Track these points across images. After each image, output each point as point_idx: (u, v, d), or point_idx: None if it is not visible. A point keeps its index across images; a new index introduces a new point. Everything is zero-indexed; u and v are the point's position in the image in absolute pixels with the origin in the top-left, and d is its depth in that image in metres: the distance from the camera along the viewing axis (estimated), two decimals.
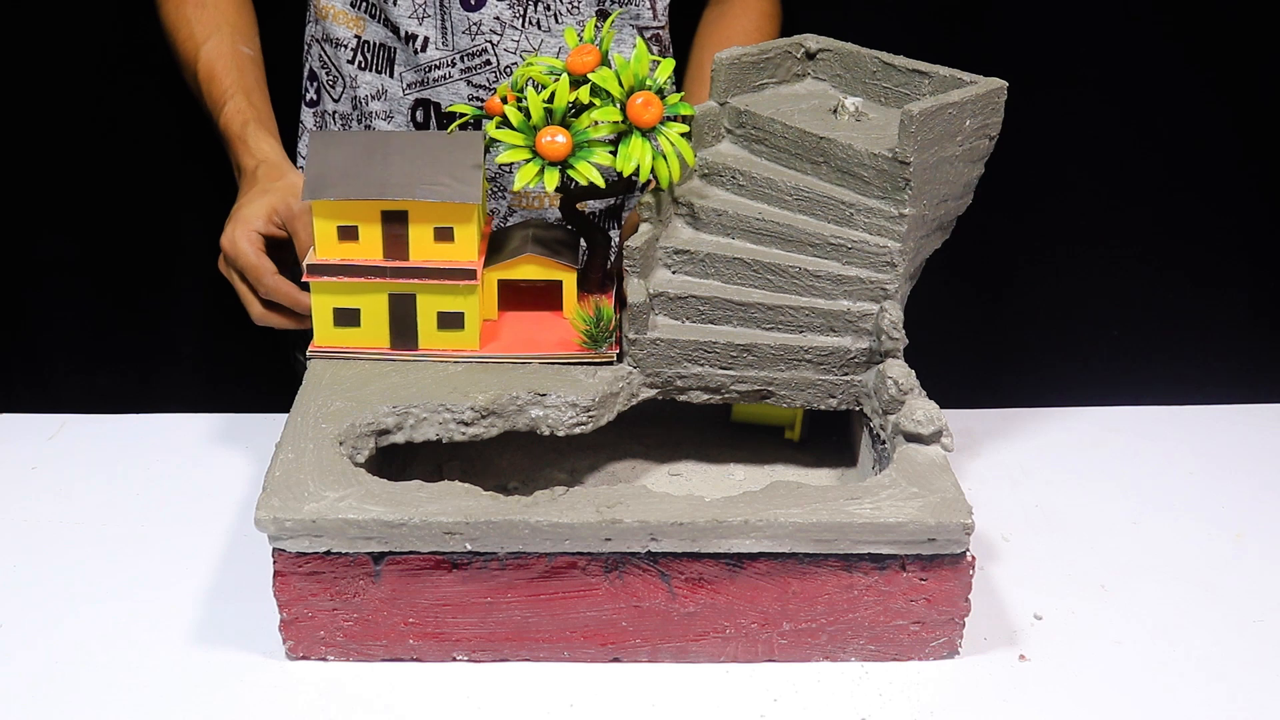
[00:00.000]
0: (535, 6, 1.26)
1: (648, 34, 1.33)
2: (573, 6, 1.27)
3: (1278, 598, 1.04)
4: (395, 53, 1.29)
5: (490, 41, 1.27)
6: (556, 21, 1.27)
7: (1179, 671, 0.96)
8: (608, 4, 1.29)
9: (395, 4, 1.27)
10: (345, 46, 1.31)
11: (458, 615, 0.93)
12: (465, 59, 1.28)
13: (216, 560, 1.04)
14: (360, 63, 1.31)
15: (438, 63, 1.28)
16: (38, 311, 1.74)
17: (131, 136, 1.63)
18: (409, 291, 1.04)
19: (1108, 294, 1.78)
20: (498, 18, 1.26)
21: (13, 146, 1.63)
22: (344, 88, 1.33)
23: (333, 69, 1.33)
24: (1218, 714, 0.92)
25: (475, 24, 1.26)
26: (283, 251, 1.16)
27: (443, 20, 1.26)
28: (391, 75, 1.30)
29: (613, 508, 0.90)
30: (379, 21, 1.29)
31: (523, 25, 1.27)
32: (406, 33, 1.27)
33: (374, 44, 1.30)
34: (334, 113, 1.36)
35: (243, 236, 1.13)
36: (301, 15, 1.37)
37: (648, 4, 1.32)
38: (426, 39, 1.27)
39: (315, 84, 1.37)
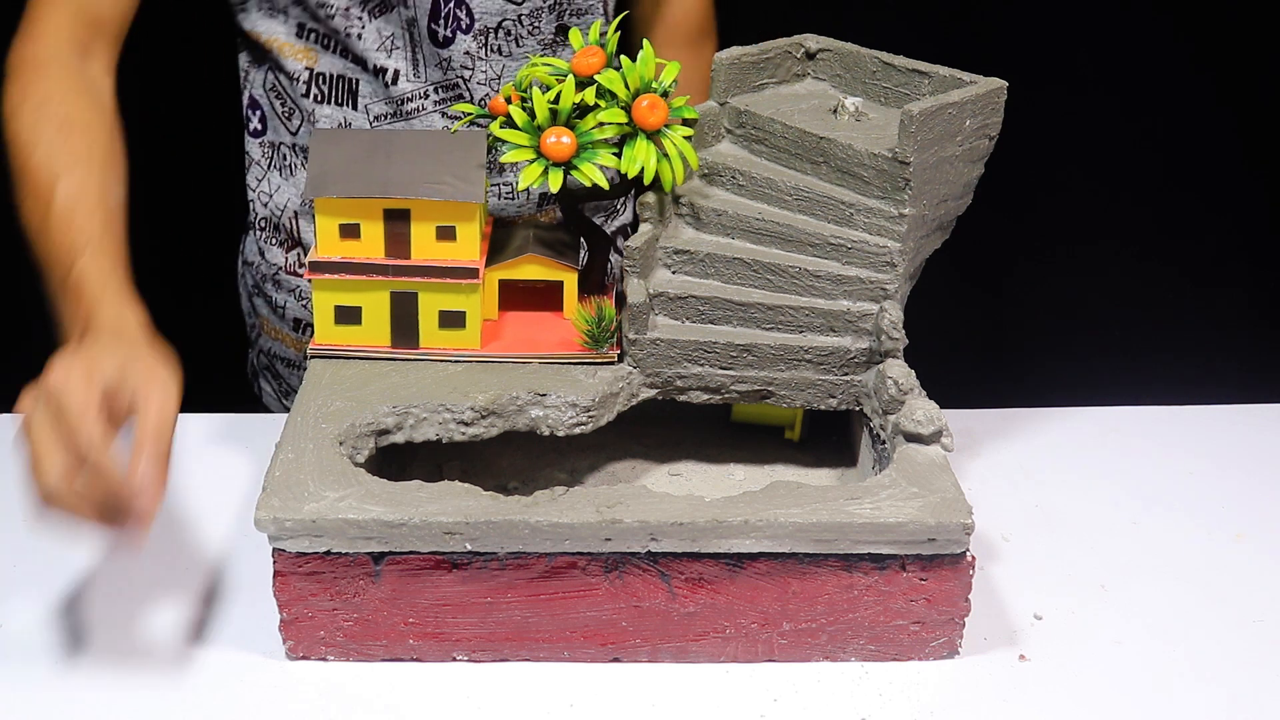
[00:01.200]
0: (496, 34, 1.24)
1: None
2: (533, 28, 1.25)
3: (1278, 598, 1.04)
4: (358, 84, 1.25)
5: (462, 76, 1.25)
6: (518, 45, 1.25)
7: (1179, 671, 0.96)
8: (566, 18, 1.27)
9: (360, 37, 1.22)
10: (298, 80, 1.26)
11: (458, 615, 0.93)
12: (439, 90, 1.25)
13: (216, 560, 1.04)
14: (316, 95, 1.25)
15: (410, 95, 1.24)
16: (38, 311, 1.74)
17: (131, 136, 1.63)
18: (410, 290, 1.04)
19: (1108, 294, 1.79)
20: (467, 52, 1.23)
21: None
22: (301, 120, 1.28)
23: (289, 100, 1.28)
24: (1218, 714, 0.92)
25: (446, 59, 1.23)
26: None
27: (413, 52, 1.23)
28: (355, 108, 1.25)
29: (613, 508, 0.90)
30: (334, 52, 1.24)
31: (487, 54, 1.25)
32: (376, 65, 1.23)
33: (331, 75, 1.25)
34: (293, 145, 1.29)
35: (80, 374, 0.86)
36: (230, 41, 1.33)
37: (599, 11, 1.30)
38: (397, 71, 1.23)
39: (258, 113, 1.31)
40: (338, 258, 1.03)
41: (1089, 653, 0.97)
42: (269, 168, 1.32)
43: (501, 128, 1.02)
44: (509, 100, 1.04)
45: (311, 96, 1.26)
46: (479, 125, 1.08)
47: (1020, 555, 1.08)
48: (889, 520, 0.90)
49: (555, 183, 1.00)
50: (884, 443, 1.01)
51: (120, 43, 1.18)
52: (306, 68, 1.25)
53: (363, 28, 1.22)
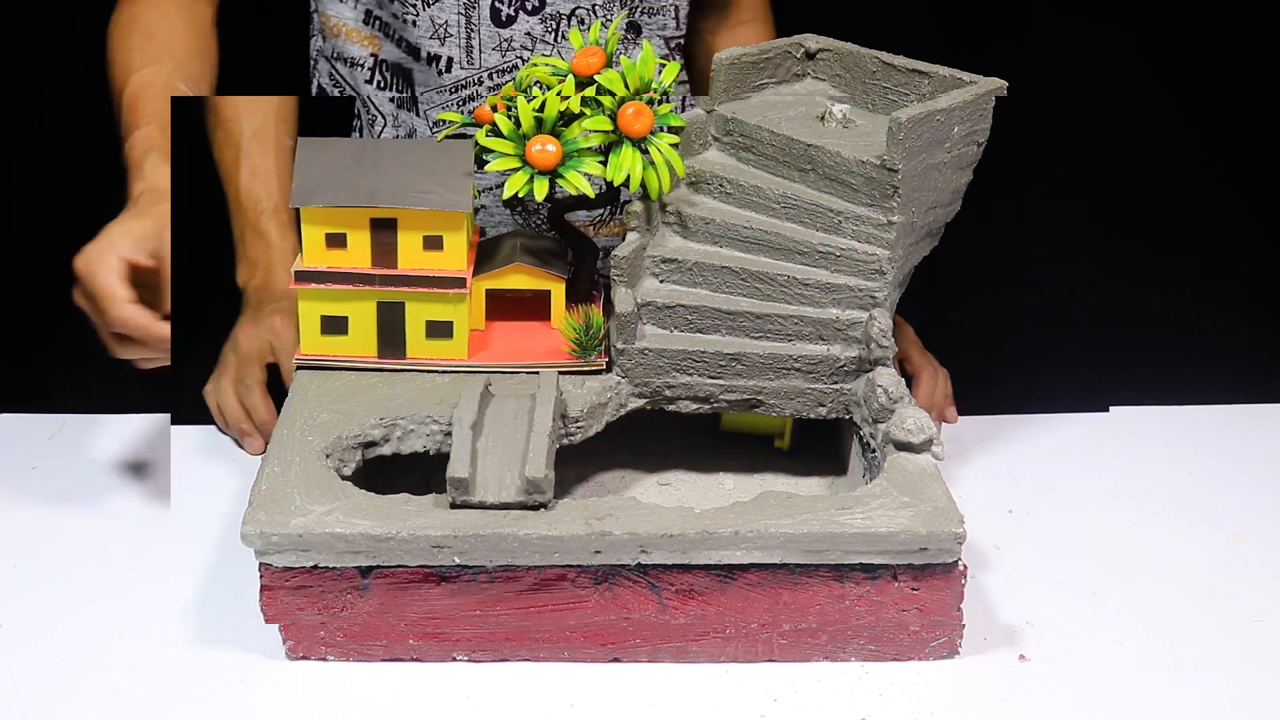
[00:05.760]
0: (569, 21, 1.24)
1: (672, 44, 1.33)
2: (605, 21, 1.26)
3: (1278, 598, 1.04)
4: (413, 74, 1.26)
5: (521, 58, 1.24)
6: None
7: (1179, 671, 0.96)
8: (638, 15, 1.28)
9: (415, 24, 1.23)
10: (361, 66, 1.28)
11: (447, 629, 0.92)
12: (494, 76, 1.25)
13: (216, 560, 1.04)
14: (379, 82, 1.27)
15: (464, 82, 1.25)
16: (38, 311, 1.74)
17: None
18: (397, 300, 1.03)
19: (1107, 294, 1.78)
20: (529, 33, 1.23)
21: (12, 149, 1.64)
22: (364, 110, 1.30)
23: (347, 89, 1.30)
24: (1218, 714, 0.92)
25: (506, 40, 1.23)
26: (148, 291, 1.04)
27: (468, 38, 1.23)
28: (412, 94, 1.27)
29: (602, 519, 0.90)
30: (393, 41, 1.26)
31: (555, 40, 1.24)
32: (429, 53, 1.24)
33: (391, 63, 1.27)
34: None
35: (99, 259, 1.01)
36: (304, 30, 1.34)
37: (671, 14, 1.31)
38: (450, 59, 1.24)
39: None
40: (324, 267, 1.02)
41: (1089, 653, 0.97)
42: None
43: (487, 136, 1.02)
44: (494, 109, 1.03)
45: (375, 84, 1.27)
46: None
47: (1015, 558, 1.07)
48: (880, 530, 0.89)
49: (541, 191, 0.99)
50: (874, 451, 1.01)
51: None
52: (371, 54, 1.26)
53: (417, 15, 1.23)
